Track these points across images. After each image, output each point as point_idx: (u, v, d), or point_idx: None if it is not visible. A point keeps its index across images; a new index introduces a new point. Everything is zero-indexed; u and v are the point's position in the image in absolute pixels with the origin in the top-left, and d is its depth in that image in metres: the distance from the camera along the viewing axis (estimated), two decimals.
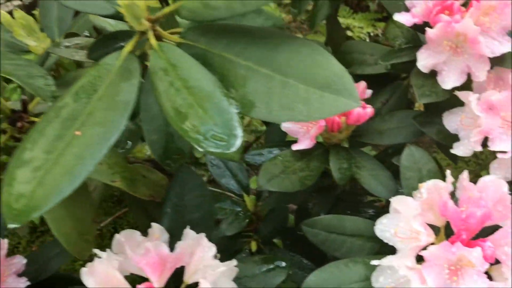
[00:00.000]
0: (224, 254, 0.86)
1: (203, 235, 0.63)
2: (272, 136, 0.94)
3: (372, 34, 2.23)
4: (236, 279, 0.71)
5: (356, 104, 0.36)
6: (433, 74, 0.70)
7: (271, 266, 0.71)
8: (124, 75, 0.44)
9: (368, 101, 0.85)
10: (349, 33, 2.16)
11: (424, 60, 0.69)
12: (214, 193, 0.97)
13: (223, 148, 0.38)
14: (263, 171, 0.71)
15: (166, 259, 0.60)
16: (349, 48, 0.91)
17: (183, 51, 0.44)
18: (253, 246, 0.84)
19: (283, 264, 0.72)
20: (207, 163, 0.89)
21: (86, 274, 0.58)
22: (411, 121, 0.75)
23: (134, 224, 1.37)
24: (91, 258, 0.61)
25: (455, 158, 0.92)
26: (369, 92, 0.79)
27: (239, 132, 0.38)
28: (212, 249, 0.63)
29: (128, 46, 0.47)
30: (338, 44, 1.00)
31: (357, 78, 0.89)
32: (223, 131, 0.38)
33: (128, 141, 0.70)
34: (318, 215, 0.85)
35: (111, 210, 1.46)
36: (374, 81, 0.89)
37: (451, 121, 0.71)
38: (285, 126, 0.77)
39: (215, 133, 0.38)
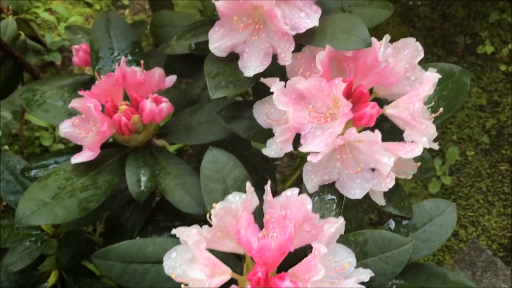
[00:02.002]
0: None
1: None
2: None
3: None
4: None
5: None
6: (234, 58, 0.56)
7: None
8: None
9: (177, 87, 0.70)
10: None
11: (218, 42, 0.53)
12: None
13: None
14: (24, 198, 0.53)
15: None
16: (160, 20, 0.73)
17: None
18: (52, 278, 0.68)
19: None
20: None
21: None
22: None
23: None
24: None
25: None
26: (170, 80, 0.63)
27: None
28: None
29: None
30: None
31: (171, 59, 0.73)
32: None
33: None
34: (133, 232, 0.71)
35: None
36: (192, 61, 0.74)
37: (261, 114, 0.57)
38: (62, 130, 0.60)
39: None
